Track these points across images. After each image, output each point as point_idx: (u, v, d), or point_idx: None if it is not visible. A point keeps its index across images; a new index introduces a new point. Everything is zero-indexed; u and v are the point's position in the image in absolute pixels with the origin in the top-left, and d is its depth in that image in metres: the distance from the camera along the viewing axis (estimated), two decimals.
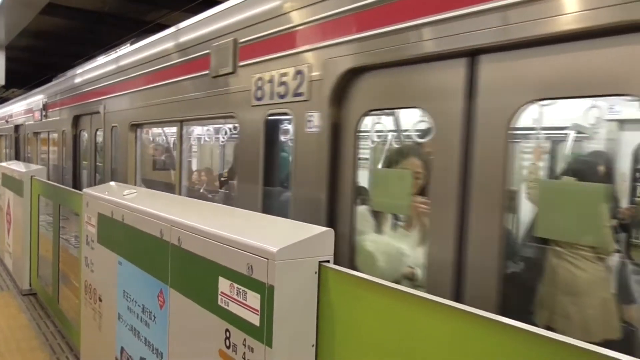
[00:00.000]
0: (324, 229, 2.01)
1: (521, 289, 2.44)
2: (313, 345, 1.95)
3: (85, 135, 7.76)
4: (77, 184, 7.88)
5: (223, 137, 5.63)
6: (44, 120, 10.04)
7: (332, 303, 1.91)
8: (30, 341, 5.17)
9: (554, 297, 2.40)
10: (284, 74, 3.15)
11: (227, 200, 4.24)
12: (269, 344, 1.88)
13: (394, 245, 2.77)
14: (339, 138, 2.84)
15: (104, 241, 3.57)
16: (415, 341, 1.60)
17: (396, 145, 3.43)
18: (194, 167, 5.74)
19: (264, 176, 3.40)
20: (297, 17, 3.09)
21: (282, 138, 3.44)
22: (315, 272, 1.94)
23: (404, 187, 2.64)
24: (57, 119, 9.06)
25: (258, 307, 1.93)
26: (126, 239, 3.21)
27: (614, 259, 2.36)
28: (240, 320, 2.03)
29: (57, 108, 9.09)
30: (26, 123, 11.62)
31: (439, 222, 2.23)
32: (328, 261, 1.97)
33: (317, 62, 2.93)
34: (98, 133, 6.92)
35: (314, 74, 2.94)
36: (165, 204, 3.31)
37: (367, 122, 3.36)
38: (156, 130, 6.09)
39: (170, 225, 2.61)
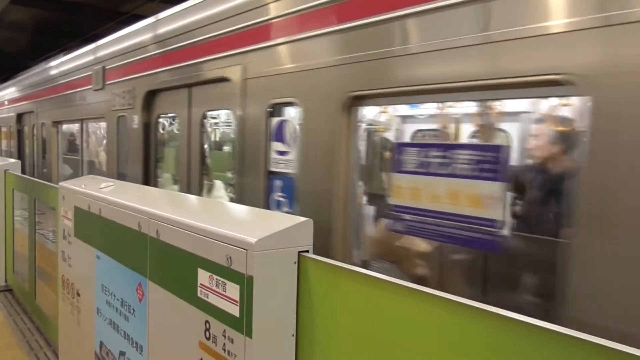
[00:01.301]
0: (303, 219, 2.01)
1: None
2: (293, 335, 1.96)
3: (26, 129, 9.86)
4: (22, 170, 10.00)
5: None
6: None
7: (312, 293, 1.91)
8: (7, 338, 5.09)
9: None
10: (124, 91, 5.26)
11: (102, 171, 6.40)
12: (249, 334, 1.88)
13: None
14: (148, 131, 4.96)
15: (81, 235, 3.52)
16: (394, 328, 1.62)
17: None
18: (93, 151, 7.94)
19: (117, 155, 5.58)
20: (127, 57, 5.29)
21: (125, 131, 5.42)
22: (295, 262, 1.94)
23: (173, 159, 4.80)
24: (5, 115, 11.13)
25: (237, 298, 1.92)
26: (104, 232, 3.17)
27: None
28: (220, 312, 2.02)
29: (6, 106, 11.14)
30: None
31: (182, 175, 4.48)
32: (307, 251, 1.97)
33: (135, 86, 5.05)
34: (34, 128, 9.06)
35: (135, 93, 5.03)
36: (142, 196, 3.27)
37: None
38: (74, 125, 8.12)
39: (149, 217, 2.58)
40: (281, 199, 3.18)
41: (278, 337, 1.93)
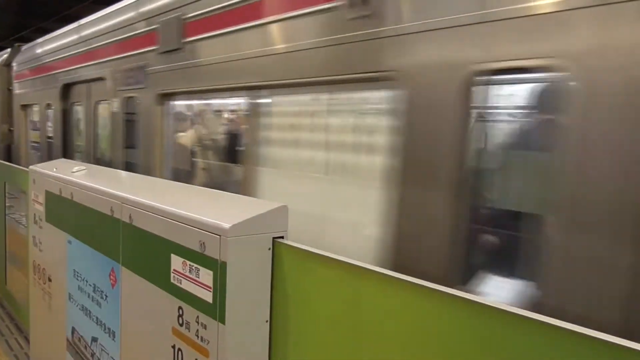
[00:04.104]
0: (278, 204, 1.99)
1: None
2: (267, 321, 1.95)
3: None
4: None
5: None
6: None
7: (286, 279, 1.90)
8: None
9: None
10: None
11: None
12: (222, 320, 1.86)
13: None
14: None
15: (52, 220, 3.45)
16: (369, 314, 1.62)
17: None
18: None
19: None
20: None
21: None
22: (269, 248, 1.93)
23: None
24: None
25: (211, 284, 1.90)
26: (76, 217, 3.11)
27: None
28: (193, 298, 2.00)
29: None
30: None
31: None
32: (282, 237, 1.95)
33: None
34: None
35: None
36: (116, 180, 3.22)
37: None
38: None
39: (121, 202, 2.53)
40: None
41: (252, 323, 1.92)
